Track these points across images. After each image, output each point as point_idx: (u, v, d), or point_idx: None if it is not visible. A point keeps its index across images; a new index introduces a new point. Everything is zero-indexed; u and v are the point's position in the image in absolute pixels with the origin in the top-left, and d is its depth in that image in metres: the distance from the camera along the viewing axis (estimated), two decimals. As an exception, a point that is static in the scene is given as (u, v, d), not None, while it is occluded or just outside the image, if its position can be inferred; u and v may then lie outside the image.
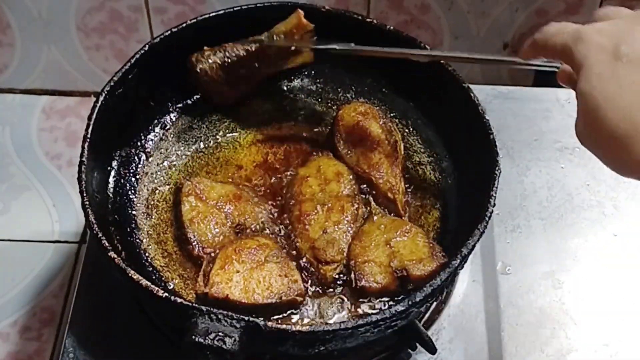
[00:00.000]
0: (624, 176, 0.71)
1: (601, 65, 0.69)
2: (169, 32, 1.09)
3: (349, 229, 1.01)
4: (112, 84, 1.03)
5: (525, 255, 1.12)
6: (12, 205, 1.37)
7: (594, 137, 0.70)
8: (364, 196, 1.06)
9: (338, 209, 1.02)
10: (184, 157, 1.11)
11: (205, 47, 1.11)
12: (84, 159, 0.97)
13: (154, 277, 0.98)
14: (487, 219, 0.94)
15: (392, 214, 1.05)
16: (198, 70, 1.10)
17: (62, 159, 1.43)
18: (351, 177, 1.06)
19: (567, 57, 0.73)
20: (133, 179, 1.08)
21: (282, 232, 1.02)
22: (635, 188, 1.20)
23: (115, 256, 0.89)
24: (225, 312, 0.83)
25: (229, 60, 1.10)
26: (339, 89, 1.20)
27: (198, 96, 1.13)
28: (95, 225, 0.91)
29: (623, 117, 0.67)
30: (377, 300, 0.97)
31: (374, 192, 1.06)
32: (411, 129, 1.15)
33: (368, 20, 1.14)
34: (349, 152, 1.09)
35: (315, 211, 1.02)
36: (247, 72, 1.12)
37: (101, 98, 1.02)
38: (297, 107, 1.18)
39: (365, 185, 1.07)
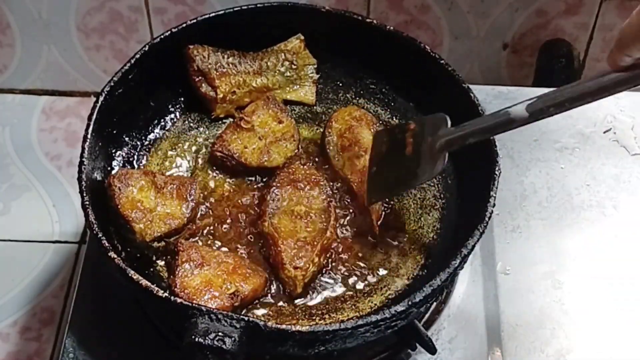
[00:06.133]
0: None
1: None
2: (169, 32, 1.09)
3: (319, 239, 0.99)
4: (112, 84, 1.04)
5: (525, 255, 1.12)
6: (12, 206, 1.37)
7: None
8: (344, 202, 1.05)
9: (310, 219, 1.00)
10: (184, 157, 1.11)
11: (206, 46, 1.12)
12: (84, 159, 0.97)
13: (154, 277, 0.98)
14: (487, 219, 0.94)
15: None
16: (194, 59, 1.11)
17: (62, 159, 1.43)
18: (327, 187, 1.04)
19: None
20: (133, 179, 1.08)
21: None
22: (635, 188, 1.20)
23: (115, 256, 0.89)
24: (225, 312, 0.83)
25: (226, 64, 1.12)
26: (339, 89, 1.20)
27: (198, 96, 1.13)
28: (95, 225, 0.92)
29: None
30: (378, 302, 0.97)
31: (353, 200, 1.05)
32: (411, 129, 1.15)
33: (368, 20, 1.14)
34: (337, 155, 1.08)
35: (288, 221, 1.00)
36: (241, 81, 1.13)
37: (101, 98, 1.02)
38: (297, 107, 1.18)
39: (345, 192, 1.05)
